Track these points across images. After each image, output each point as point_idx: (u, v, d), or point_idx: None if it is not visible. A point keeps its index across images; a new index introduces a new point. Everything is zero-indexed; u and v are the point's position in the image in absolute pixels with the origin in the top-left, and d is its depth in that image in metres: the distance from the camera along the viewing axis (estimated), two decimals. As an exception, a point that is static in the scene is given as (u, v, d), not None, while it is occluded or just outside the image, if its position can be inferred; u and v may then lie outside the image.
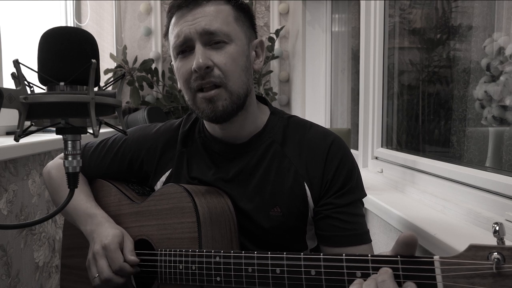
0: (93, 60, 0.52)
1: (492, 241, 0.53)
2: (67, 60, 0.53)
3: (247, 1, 0.94)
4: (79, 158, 0.57)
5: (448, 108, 1.35)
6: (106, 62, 2.67)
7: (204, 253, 0.78)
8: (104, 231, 0.89)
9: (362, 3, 1.69)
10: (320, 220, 0.87)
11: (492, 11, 1.13)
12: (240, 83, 0.85)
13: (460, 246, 0.76)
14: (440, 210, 1.04)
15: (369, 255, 0.61)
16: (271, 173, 0.89)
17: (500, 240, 0.52)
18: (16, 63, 0.50)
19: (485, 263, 0.52)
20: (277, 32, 2.70)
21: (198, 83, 0.84)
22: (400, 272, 0.58)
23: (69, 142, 0.56)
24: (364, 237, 0.86)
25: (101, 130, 0.57)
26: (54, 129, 0.56)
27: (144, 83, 2.79)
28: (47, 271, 1.49)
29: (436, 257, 0.56)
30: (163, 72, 2.84)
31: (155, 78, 2.79)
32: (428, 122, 1.50)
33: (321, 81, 2.62)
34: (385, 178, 1.42)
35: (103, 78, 2.60)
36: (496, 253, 0.51)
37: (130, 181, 1.04)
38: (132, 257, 0.86)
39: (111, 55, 2.69)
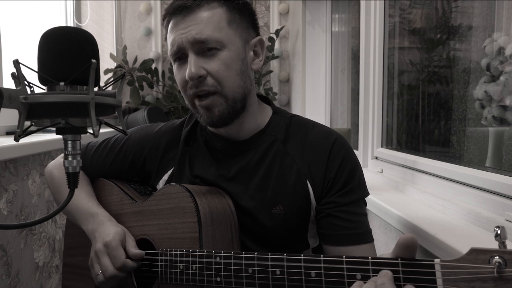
0: (93, 60, 0.52)
1: (492, 241, 0.53)
2: (67, 60, 0.53)
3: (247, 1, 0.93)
4: (79, 158, 0.57)
5: (448, 108, 1.35)
6: (106, 62, 2.67)
7: (205, 253, 0.78)
8: (106, 230, 0.89)
9: (362, 3, 1.69)
10: (322, 218, 0.87)
11: (492, 11, 1.13)
12: (236, 88, 0.85)
13: (460, 246, 0.76)
14: (440, 210, 1.04)
15: (370, 257, 0.61)
16: (273, 171, 0.89)
17: (502, 243, 0.52)
18: (16, 63, 0.50)
19: (486, 267, 0.52)
20: (277, 32, 2.70)
21: (193, 91, 0.85)
22: (401, 275, 0.57)
23: (69, 142, 0.56)
24: (366, 236, 0.86)
25: (101, 130, 0.57)
26: (54, 129, 0.56)
27: (144, 83, 2.79)
28: (47, 271, 1.49)
29: (436, 261, 0.55)
30: (163, 72, 2.84)
31: (155, 78, 2.79)
32: (428, 122, 1.51)
33: (321, 81, 2.62)
34: (385, 178, 1.42)
35: (103, 78, 2.59)
36: (497, 257, 0.51)
37: (132, 180, 1.04)
38: (136, 250, 0.86)
39: (111, 55, 2.69)
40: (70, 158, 0.57)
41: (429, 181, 1.18)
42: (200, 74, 0.82)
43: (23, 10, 1.76)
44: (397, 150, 1.55)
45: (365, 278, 0.61)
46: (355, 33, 2.25)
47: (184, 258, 0.81)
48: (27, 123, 0.53)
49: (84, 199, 0.98)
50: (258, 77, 2.67)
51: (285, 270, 0.69)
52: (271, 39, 2.70)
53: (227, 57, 0.84)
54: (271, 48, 2.70)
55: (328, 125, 2.59)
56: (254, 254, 0.72)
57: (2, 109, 0.48)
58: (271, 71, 2.86)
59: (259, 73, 2.66)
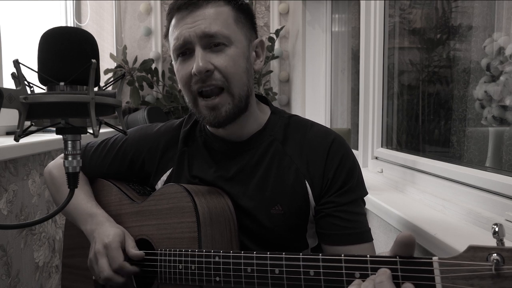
0: (93, 60, 0.52)
1: (492, 241, 0.53)
2: (67, 60, 0.53)
3: (247, 1, 0.93)
4: (79, 158, 0.57)
5: (448, 108, 1.35)
6: (106, 62, 2.67)
7: (204, 253, 0.78)
8: (105, 230, 0.89)
9: (362, 3, 1.69)
10: (321, 218, 0.87)
11: (492, 11, 1.13)
12: (242, 85, 0.85)
13: (460, 246, 0.76)
14: (440, 210, 1.04)
15: (368, 255, 0.61)
16: (272, 171, 0.89)
17: (500, 241, 0.52)
18: (16, 63, 0.50)
19: (484, 264, 0.52)
20: (277, 32, 2.70)
21: (198, 86, 0.84)
22: (399, 273, 0.57)
23: (69, 142, 0.57)
24: (365, 236, 0.86)
25: (101, 130, 0.57)
26: (54, 129, 0.56)
27: (144, 83, 2.79)
28: (47, 271, 1.49)
29: (435, 258, 0.56)
30: (163, 72, 2.84)
31: (155, 78, 2.79)
32: (428, 122, 1.51)
33: (321, 81, 2.62)
34: (385, 178, 1.42)
35: (103, 78, 2.59)
36: (495, 254, 0.51)
37: (131, 180, 1.04)
38: (136, 251, 0.86)
39: (111, 55, 2.69)
40: (70, 158, 0.57)
41: (429, 181, 1.18)
42: (208, 68, 0.82)
43: (23, 10, 1.77)
44: (397, 150, 1.55)
45: (363, 277, 0.61)
46: (355, 33, 2.25)
47: (183, 258, 0.81)
48: (27, 123, 0.53)
49: (83, 199, 0.98)
50: (258, 77, 2.67)
51: (284, 269, 0.69)
52: (271, 39, 2.70)
53: (235, 54, 0.84)
54: (271, 48, 2.70)
55: (328, 125, 2.60)
56: (253, 254, 0.72)
57: (2, 109, 0.48)
58: (271, 71, 2.86)
59: (259, 73, 2.66)
